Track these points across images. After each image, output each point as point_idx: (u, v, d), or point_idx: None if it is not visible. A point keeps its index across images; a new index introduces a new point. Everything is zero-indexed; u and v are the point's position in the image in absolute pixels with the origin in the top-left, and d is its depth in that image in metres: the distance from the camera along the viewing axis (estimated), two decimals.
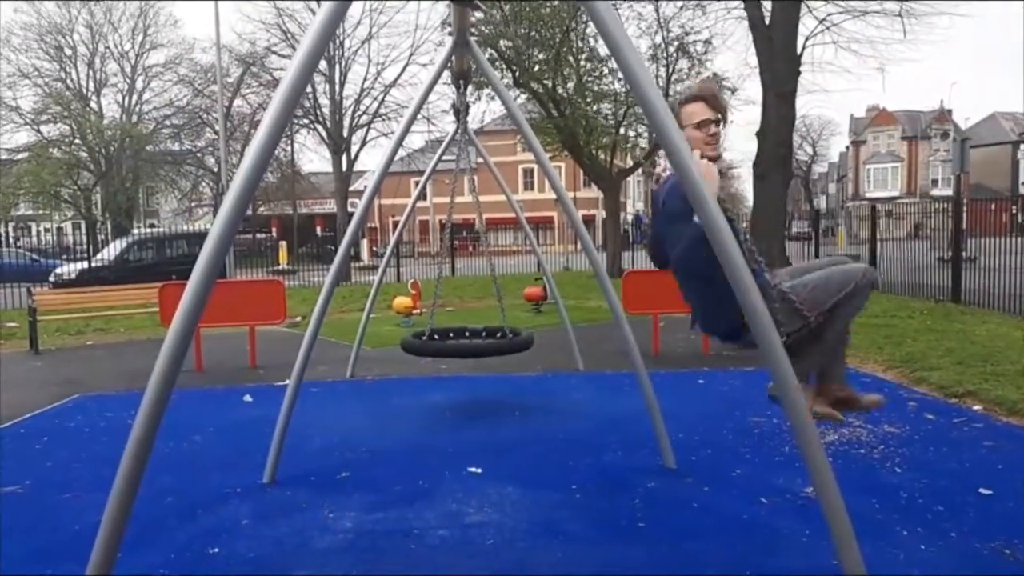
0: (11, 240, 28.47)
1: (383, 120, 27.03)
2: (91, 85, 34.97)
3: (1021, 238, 10.95)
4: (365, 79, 27.50)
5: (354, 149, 27.18)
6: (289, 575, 3.02)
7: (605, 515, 3.56)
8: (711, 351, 7.92)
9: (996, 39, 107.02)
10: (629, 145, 21.94)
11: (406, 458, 4.56)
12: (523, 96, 19.64)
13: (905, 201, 41.29)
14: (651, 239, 3.16)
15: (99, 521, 2.18)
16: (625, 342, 4.27)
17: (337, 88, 26.55)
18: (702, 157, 2.68)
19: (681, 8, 20.30)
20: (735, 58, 60.82)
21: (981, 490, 3.68)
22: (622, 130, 20.58)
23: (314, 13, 23.30)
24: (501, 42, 18.52)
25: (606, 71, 19.81)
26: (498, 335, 6.50)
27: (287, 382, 4.35)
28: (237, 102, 32.19)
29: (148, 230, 32.53)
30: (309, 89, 23.80)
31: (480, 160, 7.35)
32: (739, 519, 3.44)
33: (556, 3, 18.73)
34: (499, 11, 18.21)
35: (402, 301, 11.73)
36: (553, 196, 29.02)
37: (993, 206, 14.83)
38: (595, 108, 20.08)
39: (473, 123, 14.21)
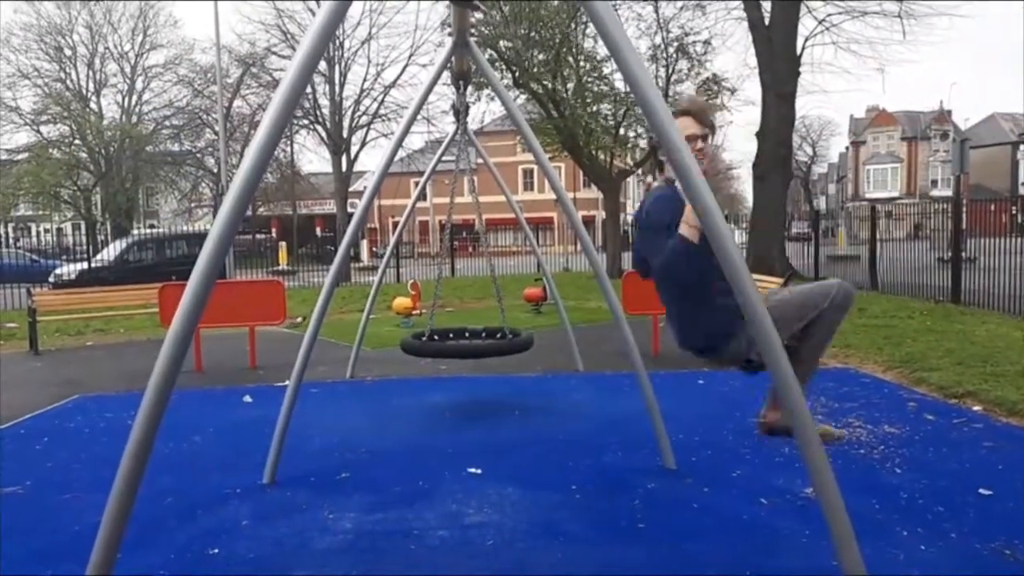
0: (11, 241, 28.47)
1: (383, 121, 27.11)
2: (91, 86, 35.04)
3: (1021, 238, 10.96)
4: (365, 80, 27.62)
5: (354, 150, 27.23)
6: (289, 575, 3.02)
7: (605, 516, 3.56)
8: None
9: (996, 39, 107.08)
10: (629, 146, 21.92)
11: (406, 459, 4.56)
12: (523, 97, 19.63)
13: (905, 202, 41.37)
14: (634, 249, 3.18)
15: (99, 522, 2.18)
16: (625, 343, 4.26)
17: (337, 89, 26.59)
18: None
19: (681, 9, 20.40)
20: (735, 58, 60.78)
21: (981, 490, 3.68)
22: (622, 130, 20.57)
23: (314, 14, 23.38)
24: (501, 43, 18.52)
25: (606, 71, 19.82)
26: (498, 336, 6.49)
27: (287, 383, 4.35)
28: (237, 103, 32.27)
29: (148, 231, 32.58)
30: (309, 90, 23.81)
31: (480, 160, 7.35)
32: (739, 520, 3.44)
33: (556, 3, 18.73)
34: (499, 12, 18.22)
35: (402, 302, 11.72)
36: (553, 197, 29.14)
37: (993, 207, 14.86)
38: (595, 108, 20.07)
39: (473, 124, 14.17)
